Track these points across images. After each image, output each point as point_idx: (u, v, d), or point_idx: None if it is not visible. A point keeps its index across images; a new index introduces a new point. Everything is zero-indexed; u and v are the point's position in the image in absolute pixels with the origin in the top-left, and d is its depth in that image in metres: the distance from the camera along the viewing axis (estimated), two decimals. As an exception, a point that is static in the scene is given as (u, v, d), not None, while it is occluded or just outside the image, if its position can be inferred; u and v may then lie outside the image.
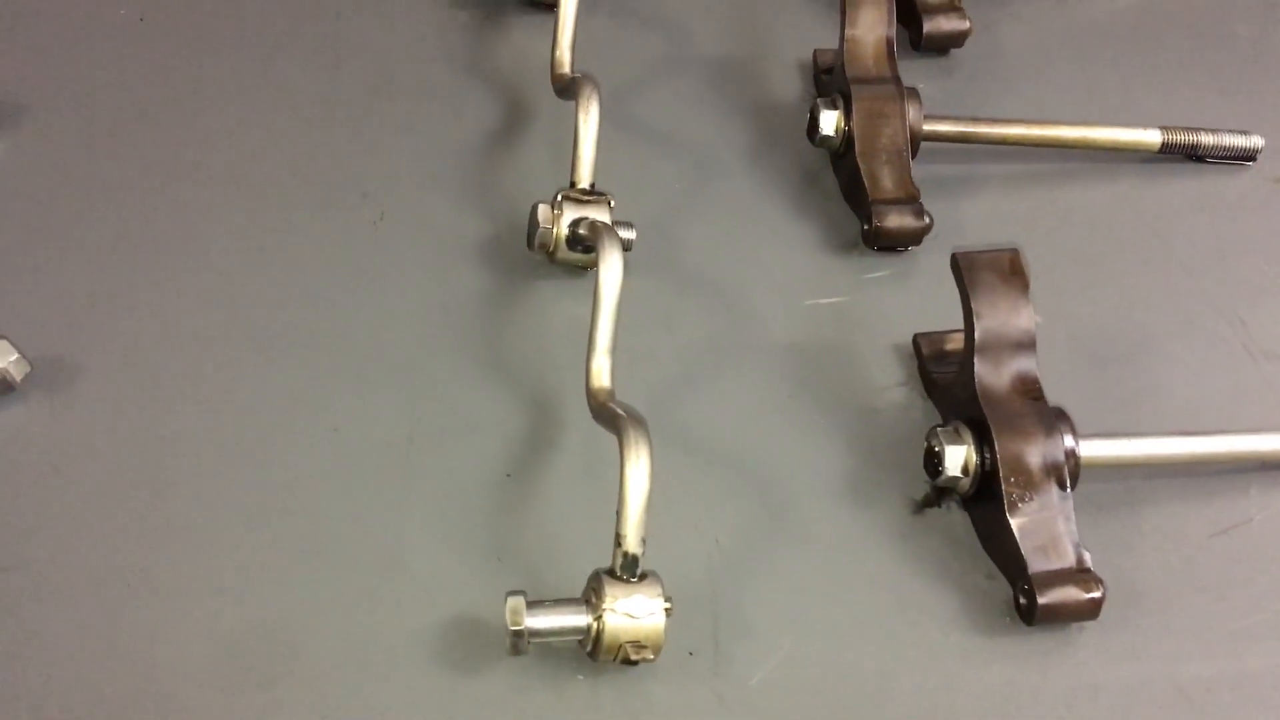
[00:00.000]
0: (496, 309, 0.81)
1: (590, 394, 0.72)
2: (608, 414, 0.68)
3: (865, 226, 0.85)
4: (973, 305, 0.70)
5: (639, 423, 0.66)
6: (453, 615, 0.66)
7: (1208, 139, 0.92)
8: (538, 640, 0.63)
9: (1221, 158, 0.92)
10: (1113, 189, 0.91)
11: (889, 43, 0.87)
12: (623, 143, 0.90)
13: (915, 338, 0.79)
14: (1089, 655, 0.67)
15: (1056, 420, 0.69)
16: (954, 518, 0.73)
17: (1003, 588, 0.69)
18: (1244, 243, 0.89)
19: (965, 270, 0.71)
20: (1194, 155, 0.92)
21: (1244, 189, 0.92)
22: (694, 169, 0.90)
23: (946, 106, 0.93)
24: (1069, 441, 0.69)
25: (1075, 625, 0.68)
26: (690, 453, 0.74)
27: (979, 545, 0.71)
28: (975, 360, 0.70)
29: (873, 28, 0.87)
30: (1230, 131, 0.92)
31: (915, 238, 0.84)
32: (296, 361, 0.77)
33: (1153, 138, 0.91)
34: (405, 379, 0.77)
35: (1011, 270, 0.71)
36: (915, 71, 0.96)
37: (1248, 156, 0.93)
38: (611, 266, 0.73)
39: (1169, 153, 0.92)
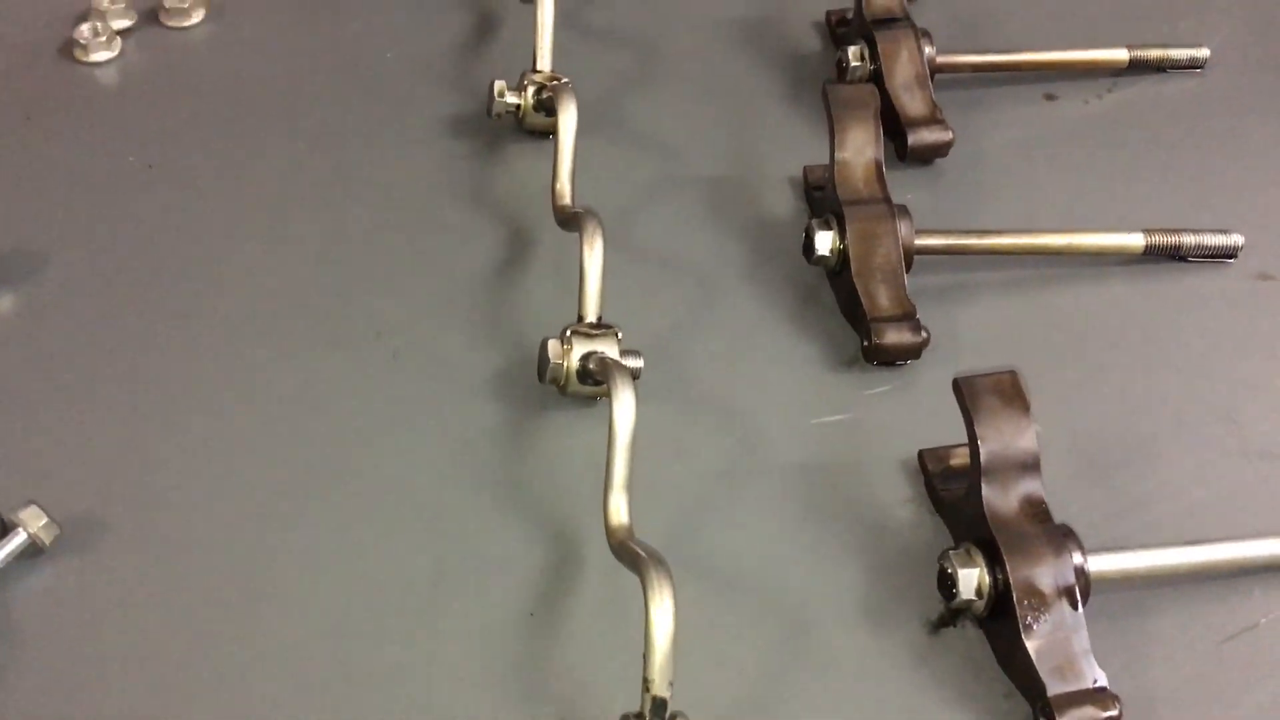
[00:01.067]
0: (512, 444, 0.83)
1: (609, 532, 0.74)
2: (628, 554, 0.70)
3: (864, 343, 0.87)
4: (976, 430, 0.72)
5: (660, 564, 0.68)
6: None
7: (1190, 239, 0.95)
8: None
9: (1204, 256, 0.95)
10: (1101, 292, 0.94)
11: (878, 164, 0.91)
12: (625, 267, 0.93)
13: (920, 454, 0.82)
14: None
15: (1065, 540, 0.71)
16: (970, 636, 0.75)
17: (1021, 706, 0.71)
18: (1231, 341, 0.91)
19: (967, 395, 0.73)
20: (1177, 255, 0.95)
21: (1227, 286, 0.95)
22: (696, 290, 0.93)
23: (934, 215, 0.96)
24: (1078, 560, 0.71)
25: (1096, 741, 0.70)
26: (710, 581, 0.76)
27: (995, 664, 0.73)
28: (982, 484, 0.72)
29: (861, 150, 0.91)
30: (1211, 231, 0.96)
31: (914, 352, 0.87)
32: (319, 507, 0.79)
33: (1136, 241, 0.95)
34: (428, 519, 0.79)
35: (1012, 393, 0.73)
36: (903, 182, 1.00)
37: (1229, 254, 0.96)
38: (624, 405, 0.75)
39: (1153, 254, 0.95)
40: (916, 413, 0.85)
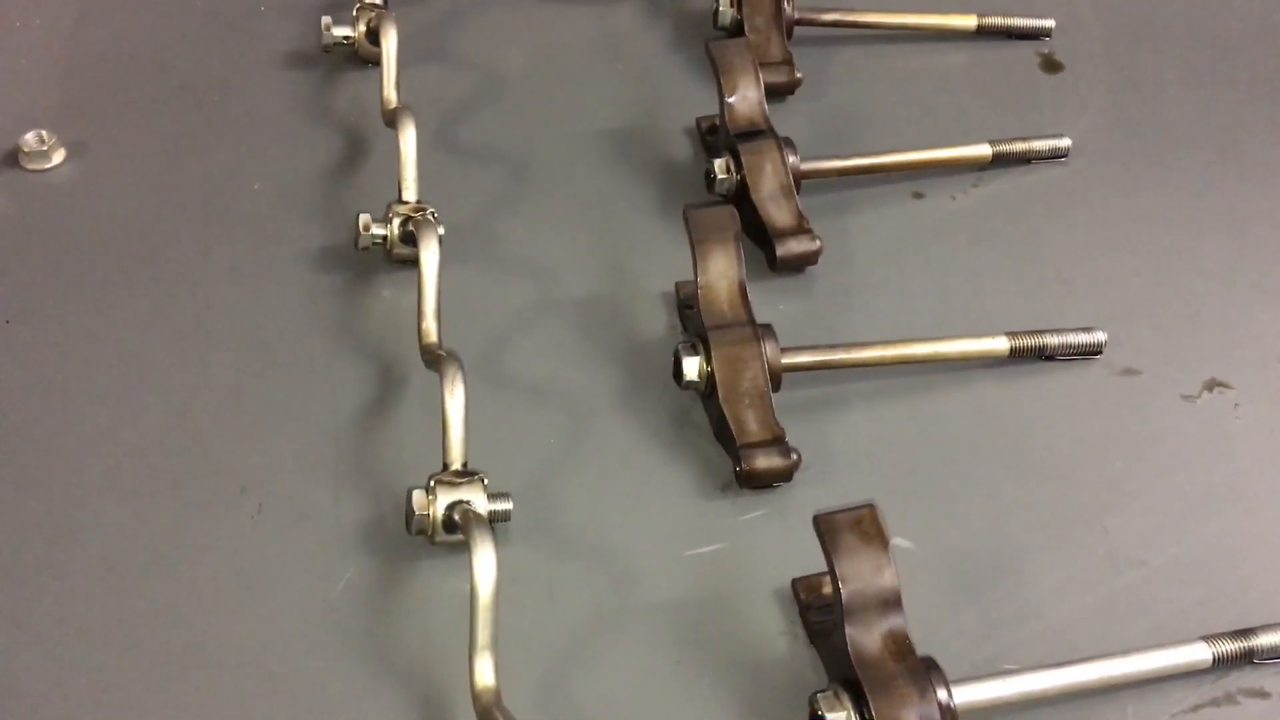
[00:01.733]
0: (381, 599, 0.81)
1: (475, 695, 0.72)
2: (491, 724, 0.69)
3: (736, 469, 0.87)
4: (837, 570, 0.72)
5: (516, 739, 0.67)
6: None
7: (1053, 340, 0.96)
8: None
9: (1069, 355, 0.97)
10: (969, 398, 0.94)
11: (741, 286, 0.91)
12: (495, 402, 0.92)
13: (794, 583, 0.81)
14: None
15: (928, 676, 0.71)
16: (846, 774, 0.75)
17: (898, 846, 0.71)
18: (1098, 441, 0.92)
19: (825, 534, 0.73)
20: (1043, 355, 0.97)
21: (1092, 383, 0.96)
22: (567, 420, 0.92)
23: (806, 325, 0.97)
24: (943, 696, 0.70)
25: None
26: (588, 730, 0.76)
27: (870, 802, 0.73)
28: (845, 624, 0.72)
29: (724, 273, 0.91)
30: (1074, 330, 0.97)
31: (785, 475, 0.87)
32: (174, 684, 0.76)
33: (1001, 345, 0.96)
34: (288, 692, 0.76)
35: (871, 529, 0.73)
36: (773, 292, 1.00)
37: (1094, 351, 0.97)
38: (484, 562, 0.74)
39: (1019, 356, 0.96)
40: (790, 537, 0.84)
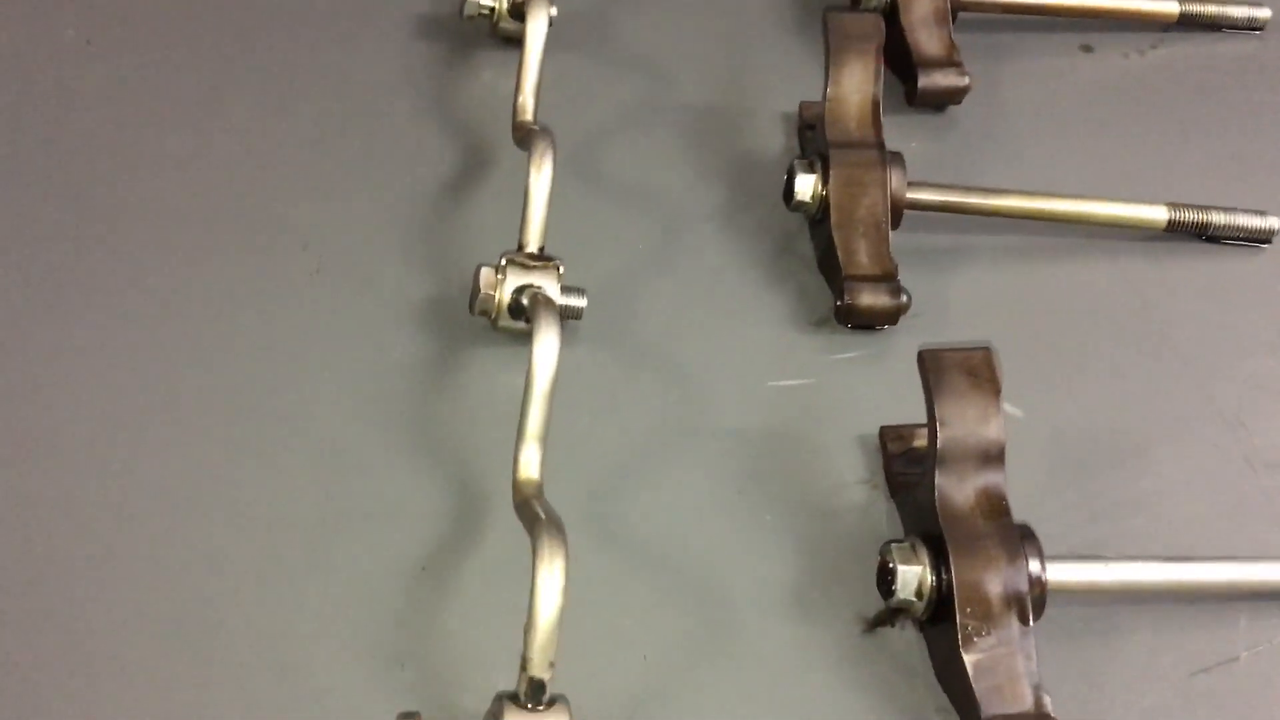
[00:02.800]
0: (432, 379, 0.75)
1: (516, 486, 0.66)
2: (528, 513, 0.63)
3: (837, 303, 0.79)
4: (936, 411, 0.64)
5: (556, 529, 0.60)
6: None
7: (1219, 218, 0.85)
8: (438, 770, 0.58)
9: (1234, 239, 0.85)
10: (1112, 269, 0.84)
11: (874, 104, 0.81)
12: (585, 196, 0.84)
13: (881, 431, 0.73)
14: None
15: (1021, 542, 0.62)
16: (909, 639, 0.67)
17: (952, 725, 0.64)
18: (1254, 336, 0.81)
19: (931, 370, 0.64)
20: (1204, 235, 0.85)
21: (1257, 274, 0.84)
22: (660, 229, 0.84)
23: (939, 168, 0.86)
24: (1035, 568, 0.62)
25: (1029, 777, 0.62)
26: (624, 553, 0.68)
27: (932, 674, 0.65)
28: (937, 472, 0.64)
29: (859, 87, 0.81)
30: (1245, 211, 0.85)
31: (890, 317, 0.78)
32: (206, 421, 0.72)
33: (1159, 215, 0.84)
34: (324, 451, 0.71)
35: (983, 372, 0.64)
36: (908, 128, 0.90)
37: (1262, 239, 0.85)
38: (545, 347, 0.67)
39: (1176, 232, 0.85)
40: (886, 384, 0.76)
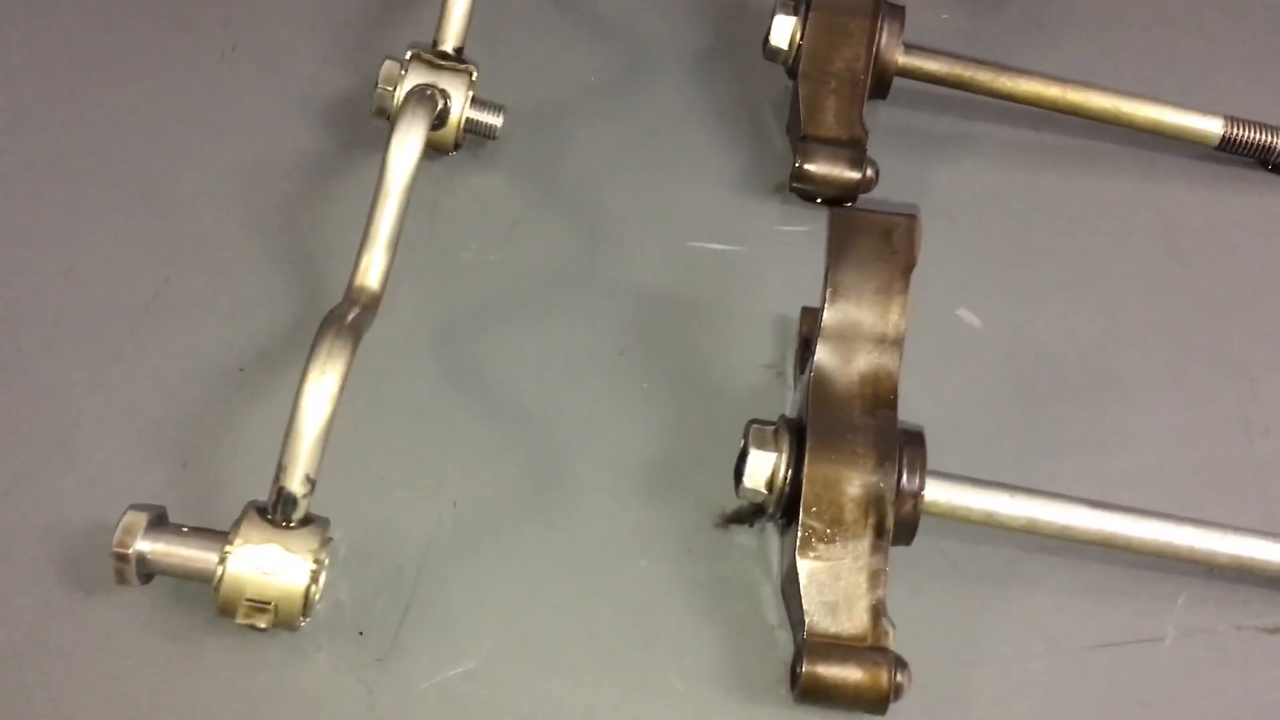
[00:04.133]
0: (314, 178, 0.67)
1: (348, 293, 0.58)
2: (332, 313, 0.55)
3: (793, 166, 0.68)
4: (830, 278, 0.53)
5: (345, 337, 0.52)
6: (103, 522, 0.53)
7: (1286, 143, 0.71)
8: (162, 573, 0.51)
9: (1301, 171, 0.71)
10: (1141, 185, 0.70)
11: (879, -55, 0.70)
12: (548, 12, 0.75)
13: (803, 312, 0.62)
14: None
15: (902, 447, 0.51)
16: (765, 545, 0.57)
17: (791, 646, 0.53)
18: (1287, 283, 0.68)
19: (836, 230, 0.53)
20: (1264, 160, 0.71)
21: (1318, 216, 0.71)
22: (623, 62, 0.74)
23: (968, 45, 0.74)
24: (909, 479, 0.51)
25: (858, 717, 0.52)
26: (466, 396, 0.60)
27: (780, 585, 0.55)
28: (818, 347, 0.53)
29: (862, -78, 0.70)
30: (1321, 140, 0.71)
31: (848, 190, 0.66)
32: (68, 177, 0.66)
33: (1212, 128, 0.70)
34: (178, 233, 0.64)
35: (898, 243, 0.53)
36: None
37: (1336, 175, 0.71)
38: (403, 146, 0.58)
39: (1230, 150, 0.71)
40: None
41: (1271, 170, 0.71)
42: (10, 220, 0.64)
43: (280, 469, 0.50)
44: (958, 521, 0.53)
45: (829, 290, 0.53)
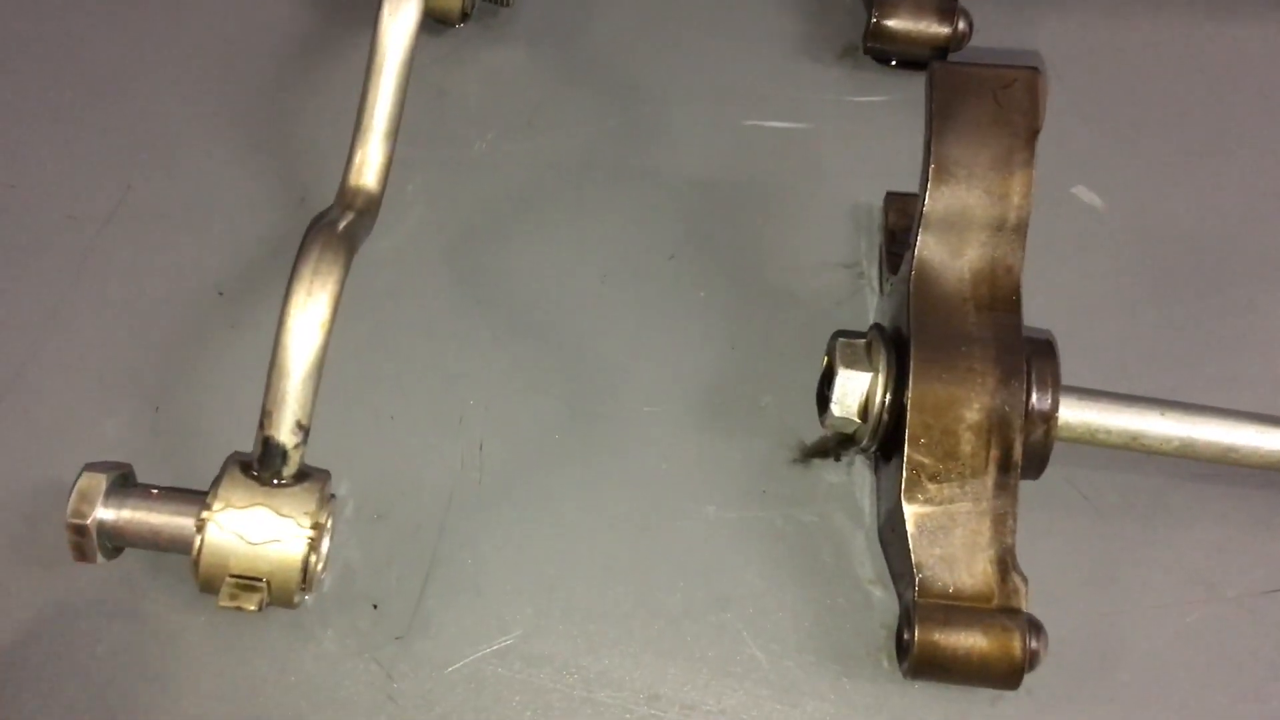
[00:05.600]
0: (298, 59, 0.56)
1: (341, 191, 0.48)
2: (321, 219, 0.45)
3: (869, 22, 0.57)
4: (934, 149, 0.42)
5: (337, 250, 0.42)
6: (60, 481, 0.43)
7: None
8: (130, 545, 0.42)
9: None
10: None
11: None
12: None
13: (886, 199, 0.52)
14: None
15: (1030, 359, 0.42)
16: (856, 481, 0.48)
17: (891, 607, 0.44)
18: None
19: (939, 89, 0.43)
20: None
21: None
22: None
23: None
24: (1040, 398, 0.41)
25: (985, 694, 0.43)
26: (489, 316, 0.50)
27: (875, 527, 0.46)
28: (920, 235, 0.43)
29: None
30: None
31: (935, 48, 0.55)
32: (10, 72, 0.56)
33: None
34: (139, 132, 0.54)
35: (1021, 103, 0.43)
36: None
37: None
38: (397, 11, 0.48)
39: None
40: (914, 142, 0.53)
41: None
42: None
43: (265, 415, 0.41)
44: (1095, 446, 0.44)
45: (932, 166, 0.42)
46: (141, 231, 0.51)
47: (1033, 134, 0.42)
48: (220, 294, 0.50)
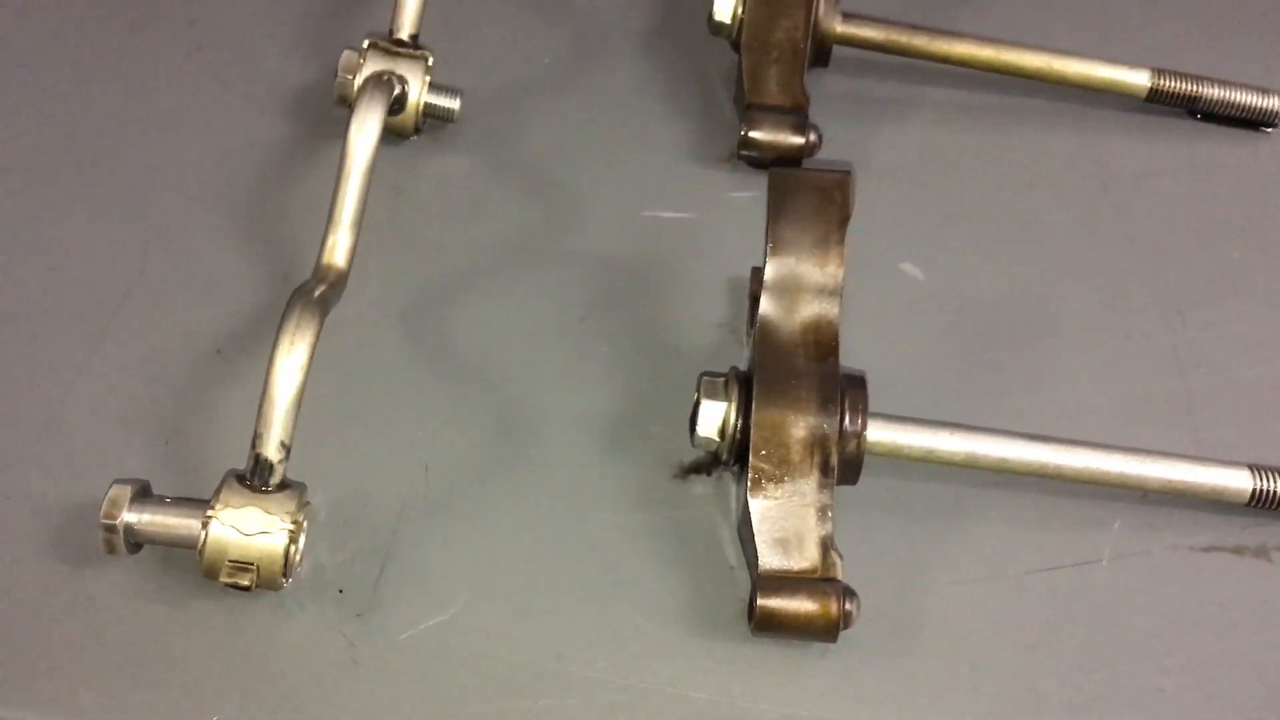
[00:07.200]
0: (284, 166, 0.70)
1: (316, 270, 0.61)
2: (300, 289, 0.58)
3: (740, 134, 0.71)
4: (770, 233, 0.56)
5: (312, 309, 0.55)
6: (90, 499, 0.56)
7: (1212, 92, 0.73)
8: (148, 542, 0.54)
9: (1228, 118, 0.74)
10: (1075, 139, 0.73)
11: (813, -85, 0.72)
12: (490, -1, 0.79)
13: (753, 272, 0.65)
14: (818, 684, 0.53)
15: (844, 390, 0.54)
16: (722, 491, 0.60)
17: (748, 586, 0.56)
18: (1225, 224, 0.70)
19: (774, 189, 0.56)
20: (1193, 110, 0.74)
21: (1248, 162, 0.73)
22: (574, 42, 0.77)
23: (900, 6, 0.76)
24: (851, 420, 0.54)
25: (815, 647, 0.55)
26: (435, 365, 0.63)
27: (736, 528, 0.58)
28: (763, 299, 0.56)
29: (797, -109, 0.72)
30: (1245, 87, 0.73)
31: (793, 155, 0.69)
32: (44, 176, 0.68)
33: (1139, 80, 0.73)
34: (153, 225, 0.67)
35: (833, 196, 0.56)
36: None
37: (1263, 121, 0.73)
38: (362, 128, 0.61)
39: (1159, 101, 0.73)
40: None
41: (1199, 118, 0.74)
42: (12, 209, 0.67)
43: (256, 436, 0.53)
44: (901, 459, 0.56)
45: (770, 244, 0.56)
46: (154, 303, 0.64)
47: (844, 220, 0.56)
48: (218, 351, 0.62)
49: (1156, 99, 0.73)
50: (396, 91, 0.66)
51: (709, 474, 0.60)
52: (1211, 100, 0.73)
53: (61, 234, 0.66)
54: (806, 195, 0.56)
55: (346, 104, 0.69)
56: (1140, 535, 0.58)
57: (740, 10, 0.71)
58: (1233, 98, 0.73)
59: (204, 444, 0.59)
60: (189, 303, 0.64)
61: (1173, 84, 0.73)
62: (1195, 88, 0.73)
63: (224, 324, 0.64)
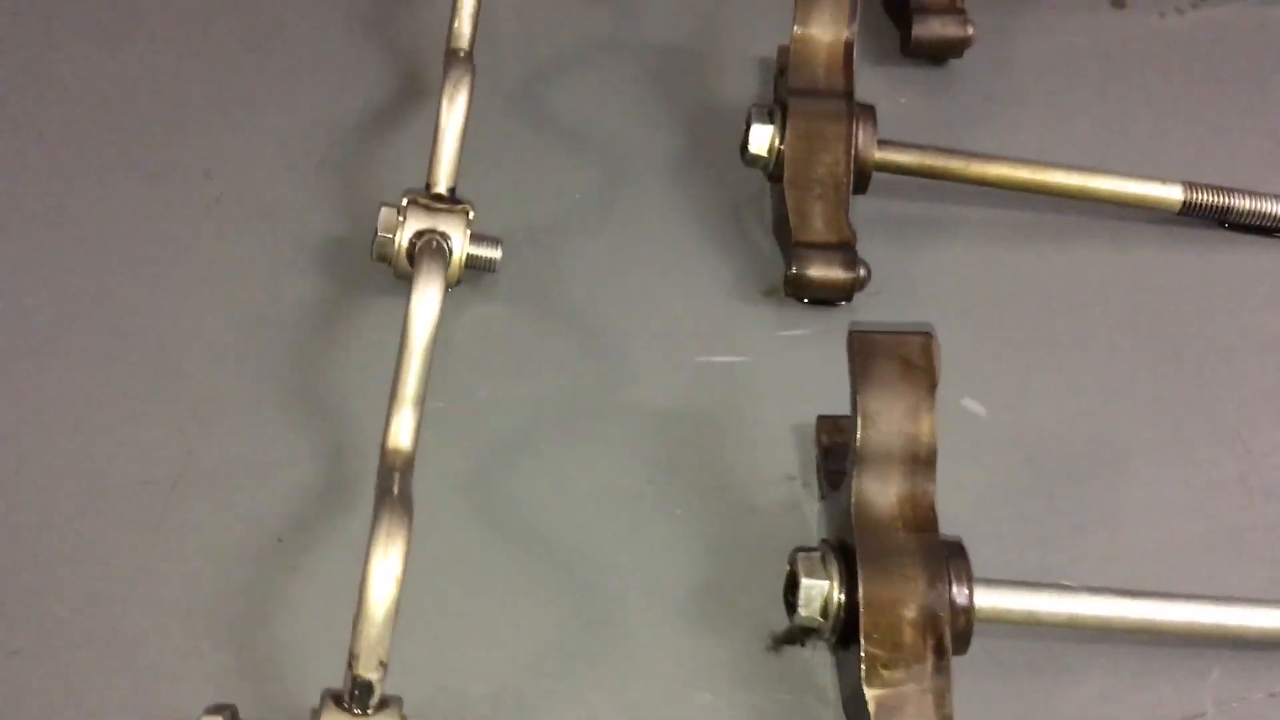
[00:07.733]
0: (322, 329, 0.68)
1: (383, 455, 0.58)
2: (381, 487, 0.55)
3: (787, 272, 0.70)
4: (859, 404, 0.55)
5: (402, 511, 0.52)
6: (165, 713, 0.53)
7: (1241, 203, 0.74)
8: (242, 778, 0.51)
9: (1257, 227, 0.75)
10: (1113, 255, 0.74)
11: (847, 47, 0.71)
12: (525, 137, 0.76)
13: (818, 421, 0.64)
14: None
15: (947, 563, 0.53)
16: (821, 662, 0.59)
17: (858, 765, 0.55)
18: (1268, 341, 0.71)
19: (857, 356, 0.55)
20: (1223, 221, 0.75)
21: (1278, 267, 0.75)
22: (603, 178, 0.75)
23: (929, 128, 0.77)
24: (959, 594, 0.53)
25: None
26: (507, 541, 0.60)
27: (840, 706, 0.57)
28: (855, 473, 0.55)
29: (829, 26, 0.71)
30: (1272, 196, 0.74)
31: (844, 290, 0.69)
32: (69, 359, 0.65)
33: (1173, 195, 0.74)
34: (193, 401, 0.64)
35: (918, 361, 0.55)
36: (900, 81, 0.81)
37: (1292, 229, 0.75)
38: (424, 300, 0.59)
39: (1191, 215, 0.74)
40: (833, 368, 0.64)
41: (1227, 227, 0.75)
42: (16, 416, 0.63)
43: (353, 657, 0.50)
44: (1008, 624, 0.56)
45: (860, 417, 0.54)
46: (206, 489, 0.61)
47: (932, 386, 0.55)
48: (280, 540, 0.59)
49: (1189, 212, 0.74)
50: (447, 255, 0.64)
51: (803, 645, 0.58)
52: (1241, 211, 0.74)
53: (98, 422, 0.63)
54: (891, 361, 0.55)
55: (387, 262, 0.67)
56: (1239, 682, 0.58)
57: (778, 142, 0.71)
58: (1262, 208, 0.74)
59: (279, 646, 0.56)
60: (241, 486, 0.61)
61: (1204, 197, 0.74)
62: (1226, 199, 0.74)
63: (281, 507, 0.60)
